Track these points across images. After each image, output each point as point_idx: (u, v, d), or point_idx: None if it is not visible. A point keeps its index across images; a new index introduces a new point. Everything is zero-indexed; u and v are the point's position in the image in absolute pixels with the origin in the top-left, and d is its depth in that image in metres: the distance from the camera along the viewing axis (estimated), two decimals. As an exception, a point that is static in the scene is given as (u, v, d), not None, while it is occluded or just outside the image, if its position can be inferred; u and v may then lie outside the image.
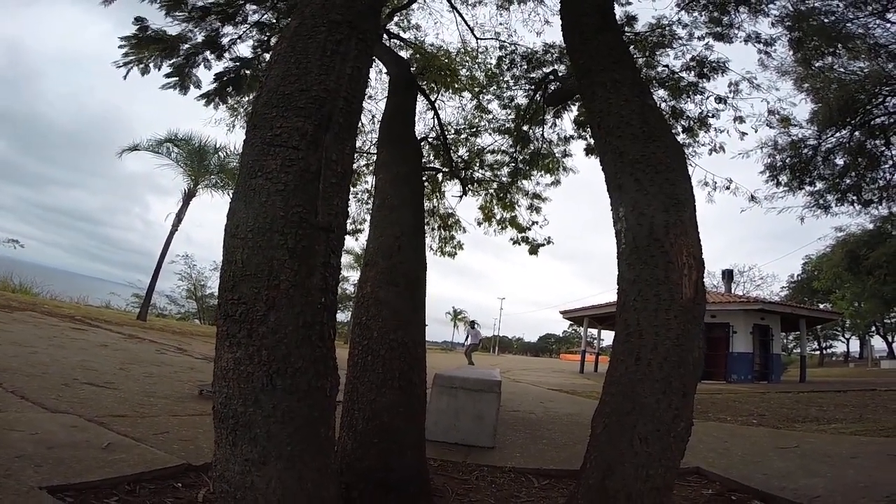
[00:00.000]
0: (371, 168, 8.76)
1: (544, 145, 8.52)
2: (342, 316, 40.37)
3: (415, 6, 7.65)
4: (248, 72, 5.67)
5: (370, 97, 8.07)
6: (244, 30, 5.42)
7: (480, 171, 9.34)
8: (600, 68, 3.04)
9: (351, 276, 34.73)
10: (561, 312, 24.29)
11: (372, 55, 2.30)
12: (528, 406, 7.40)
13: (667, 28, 6.96)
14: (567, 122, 8.42)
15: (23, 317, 8.83)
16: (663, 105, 7.48)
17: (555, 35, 8.38)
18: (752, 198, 8.54)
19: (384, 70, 6.54)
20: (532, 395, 9.51)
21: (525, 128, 8.29)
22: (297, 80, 1.65)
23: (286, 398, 1.38)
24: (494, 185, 9.41)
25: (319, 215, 1.50)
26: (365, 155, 8.76)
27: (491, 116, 8.84)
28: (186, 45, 5.21)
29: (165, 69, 5.36)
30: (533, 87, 7.84)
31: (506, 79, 8.21)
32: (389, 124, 4.19)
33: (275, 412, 1.37)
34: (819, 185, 11.62)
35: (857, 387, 13.32)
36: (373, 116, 8.30)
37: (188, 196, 15.91)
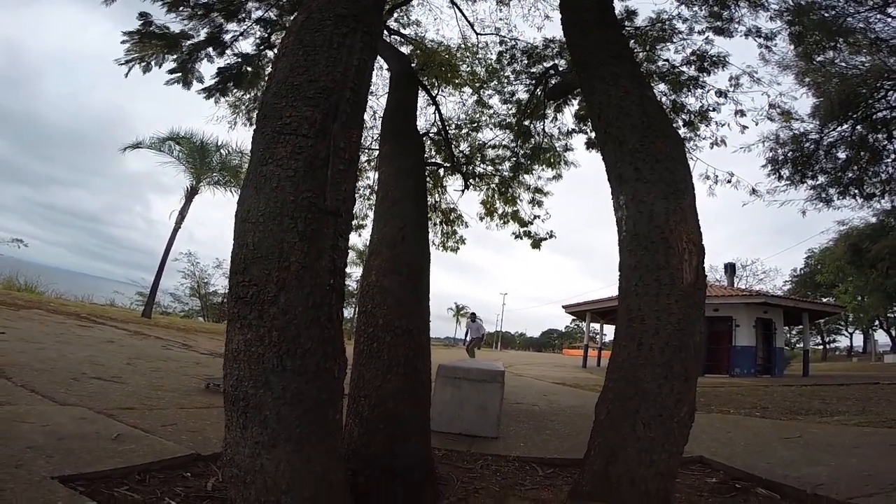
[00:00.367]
0: (373, 164, 8.79)
1: (545, 139, 8.52)
2: (346, 312, 40.36)
3: (415, 2, 7.64)
4: (249, 68, 5.69)
5: (371, 93, 8.07)
6: (246, 27, 5.45)
7: (482, 165, 9.35)
8: (600, 62, 3.06)
9: (354, 272, 34.77)
10: (563, 307, 24.31)
11: (376, 47, 2.33)
12: (531, 399, 7.43)
13: (667, 22, 6.95)
14: (568, 117, 8.43)
15: (29, 314, 8.91)
16: (664, 99, 7.47)
17: (555, 30, 8.38)
18: (754, 191, 8.55)
19: (385, 66, 6.56)
20: (535, 389, 9.55)
21: (526, 122, 8.29)
22: (306, 71, 1.71)
23: (296, 379, 1.41)
24: (496, 180, 9.42)
25: (328, 200, 1.55)
26: (367, 151, 8.77)
27: (492, 111, 8.85)
28: (189, 42, 5.24)
29: (168, 65, 5.40)
30: (533, 81, 7.83)
31: (506, 74, 8.19)
32: (392, 119, 4.21)
33: (284, 394, 1.40)
34: (821, 179, 11.58)
35: (861, 380, 13.33)
36: (374, 112, 8.31)
37: (191, 193, 15.97)
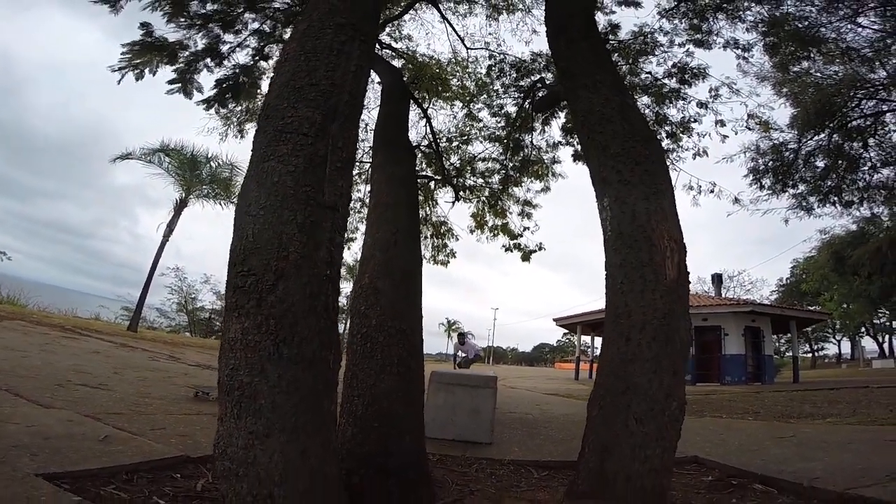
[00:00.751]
0: (363, 177, 8.82)
1: (534, 152, 8.64)
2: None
3: (406, 17, 7.78)
4: (246, 79, 5.75)
5: (363, 106, 8.15)
6: (243, 38, 5.52)
7: (472, 178, 9.42)
8: (583, 71, 3.18)
9: (345, 288, 34.57)
10: (554, 320, 24.33)
11: (372, 54, 2.41)
12: (524, 408, 7.40)
13: (649, 36, 7.15)
14: (555, 130, 8.55)
15: (11, 325, 8.70)
16: (647, 111, 7.65)
17: (542, 44, 8.56)
18: (736, 200, 8.66)
19: (377, 79, 6.65)
20: (528, 400, 9.51)
21: (515, 135, 8.43)
22: (307, 75, 1.80)
23: (291, 367, 1.42)
24: (486, 192, 9.48)
25: (326, 195, 1.60)
26: (358, 164, 8.82)
27: (482, 125, 8.94)
28: (187, 52, 5.29)
29: (164, 75, 5.44)
30: (521, 94, 7.98)
31: (495, 87, 8.29)
32: (385, 128, 4.27)
33: (280, 382, 1.40)
34: (801, 188, 11.87)
35: (850, 385, 13.48)
36: (366, 125, 8.38)
37: (180, 206, 15.84)
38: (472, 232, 9.77)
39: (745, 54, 7.29)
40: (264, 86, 6.77)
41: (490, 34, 8.33)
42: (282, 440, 1.43)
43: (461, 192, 9.24)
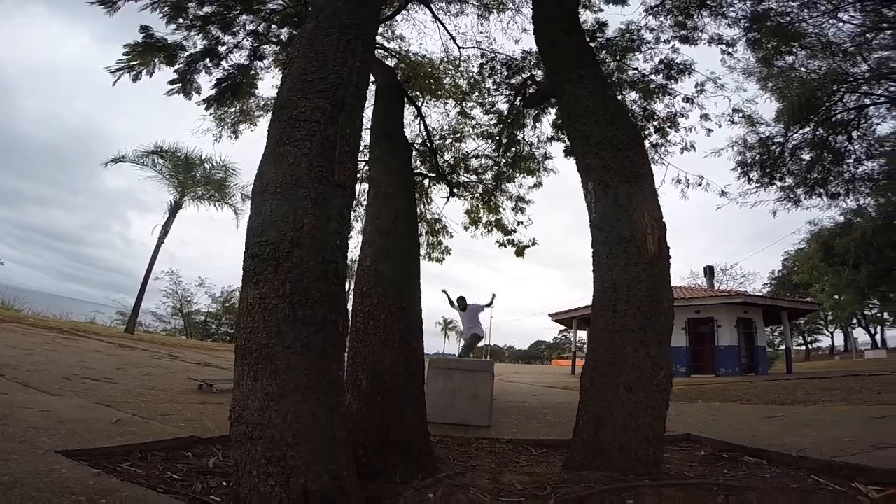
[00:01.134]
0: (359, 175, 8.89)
1: (526, 148, 8.76)
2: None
3: (399, 17, 7.87)
4: (243, 79, 5.85)
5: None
6: (240, 39, 5.62)
7: (466, 175, 9.52)
8: (567, 67, 3.34)
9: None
10: (549, 315, 24.49)
11: (374, 52, 2.54)
12: (521, 398, 7.53)
13: (635, 33, 7.28)
14: (546, 126, 8.66)
15: (10, 327, 8.72)
16: (635, 107, 7.79)
17: (532, 42, 8.66)
18: (723, 193, 8.71)
19: (371, 78, 6.74)
20: (525, 391, 9.64)
21: (507, 132, 8.55)
22: (317, 70, 1.97)
23: (305, 329, 1.53)
24: (480, 189, 9.57)
25: (336, 175, 1.77)
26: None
27: (474, 122, 9.03)
28: (186, 54, 5.39)
29: (158, 78, 5.52)
30: (513, 91, 8.10)
31: (487, 85, 8.38)
32: (382, 124, 4.38)
33: (294, 343, 1.52)
34: (789, 180, 12.09)
35: (843, 374, 13.73)
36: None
37: (174, 208, 15.84)
38: (466, 228, 9.84)
39: (730, 49, 7.42)
40: (261, 84, 6.84)
41: (481, 33, 8.47)
42: (295, 400, 1.53)
43: (455, 189, 9.32)
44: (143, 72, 5.39)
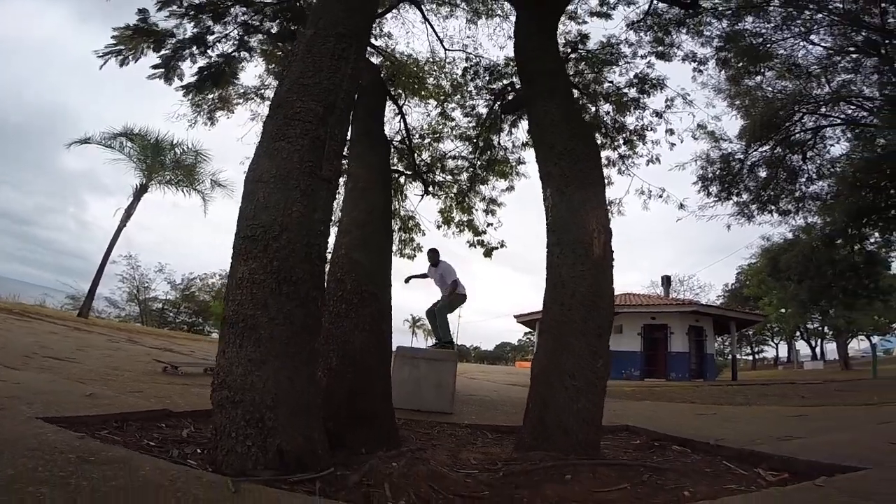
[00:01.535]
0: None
1: (501, 152, 9.04)
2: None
3: (389, 15, 7.98)
4: (227, 68, 5.87)
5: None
6: (230, 30, 5.65)
7: (442, 174, 9.71)
8: (541, 80, 3.62)
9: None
10: (515, 317, 25.05)
11: (365, 59, 2.74)
12: (483, 393, 7.83)
13: (615, 46, 7.64)
14: (521, 132, 8.94)
15: (-43, 306, 8.33)
16: (607, 118, 8.19)
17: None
18: (681, 206, 9.23)
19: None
20: (487, 387, 9.97)
21: (484, 135, 8.81)
22: (313, 75, 2.17)
23: (288, 303, 1.72)
24: (454, 189, 9.78)
25: (323, 170, 1.99)
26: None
27: (454, 123, 9.21)
28: (174, 40, 5.38)
29: (147, 60, 5.48)
30: (493, 96, 8.36)
31: (469, 88, 8.59)
32: (363, 121, 4.53)
33: (278, 315, 1.71)
34: (745, 196, 12.89)
35: (781, 382, 14.81)
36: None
37: (140, 192, 15.35)
38: (439, 227, 10.02)
39: (701, 67, 7.86)
40: (242, 76, 6.83)
41: (468, 37, 8.66)
42: (276, 366, 1.72)
43: (430, 188, 9.50)
44: (131, 57, 5.35)
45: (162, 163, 15.39)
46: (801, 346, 43.81)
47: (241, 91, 7.48)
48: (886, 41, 9.42)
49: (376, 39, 8.11)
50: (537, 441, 2.84)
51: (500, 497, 1.85)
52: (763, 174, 12.51)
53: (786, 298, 22.98)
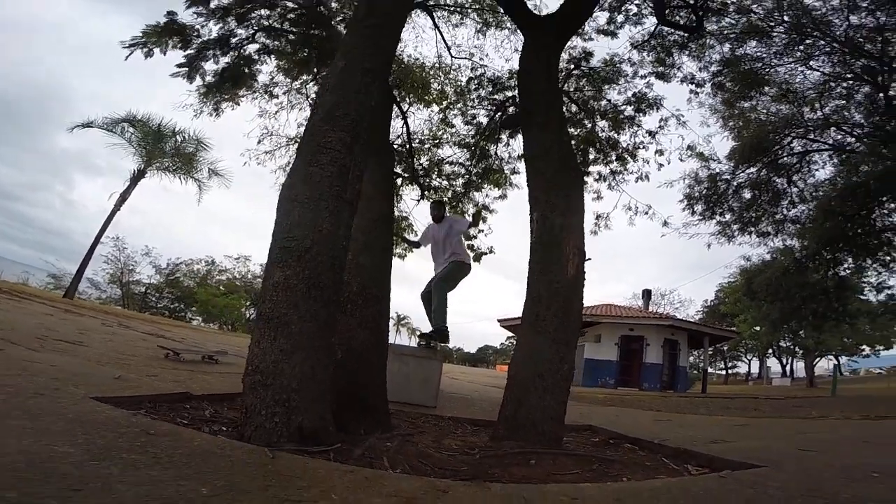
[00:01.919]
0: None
1: (496, 162, 9.41)
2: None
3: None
4: (246, 69, 6.19)
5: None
6: (252, 32, 5.96)
7: (438, 179, 10.07)
8: (538, 110, 4.03)
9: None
10: (499, 321, 25.52)
11: (388, 92, 3.10)
12: (464, 392, 8.27)
13: (617, 65, 7.94)
14: (518, 144, 9.20)
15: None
16: (602, 134, 8.51)
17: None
18: (665, 223, 9.73)
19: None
20: (468, 387, 10.44)
21: (482, 144, 9.17)
22: (342, 107, 2.55)
23: (315, 304, 2.12)
24: (449, 194, 10.14)
25: (347, 193, 2.36)
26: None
27: (454, 130, 9.48)
28: (200, 40, 5.68)
29: (171, 56, 5.78)
30: (494, 107, 8.68)
31: (472, 97, 8.92)
32: (373, 134, 4.91)
33: (307, 314, 2.11)
34: (727, 217, 13.37)
35: (746, 396, 15.55)
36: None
37: (137, 177, 15.45)
38: (431, 229, 10.36)
39: (698, 89, 8.20)
40: (260, 77, 7.10)
41: (476, 47, 8.91)
42: (302, 357, 2.11)
43: (427, 192, 9.83)
44: (158, 50, 5.66)
45: (162, 149, 15.53)
46: (773, 364, 45.25)
47: (251, 85, 7.71)
48: (885, 68, 9.78)
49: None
50: (510, 433, 3.25)
51: (476, 472, 2.27)
52: (748, 195, 12.95)
53: (759, 317, 23.90)
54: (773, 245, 14.15)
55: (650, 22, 7.35)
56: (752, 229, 13.47)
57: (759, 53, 9.16)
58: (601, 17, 7.54)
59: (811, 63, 10.00)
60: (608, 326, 18.25)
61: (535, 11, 5.51)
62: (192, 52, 5.78)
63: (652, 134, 8.18)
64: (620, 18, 7.50)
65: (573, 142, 8.51)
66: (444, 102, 9.16)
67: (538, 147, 3.81)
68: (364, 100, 2.60)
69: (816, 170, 12.70)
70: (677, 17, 7.18)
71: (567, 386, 3.14)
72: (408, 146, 8.75)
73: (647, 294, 25.22)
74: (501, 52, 8.63)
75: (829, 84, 10.75)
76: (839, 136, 12.05)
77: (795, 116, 11.56)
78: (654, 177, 8.58)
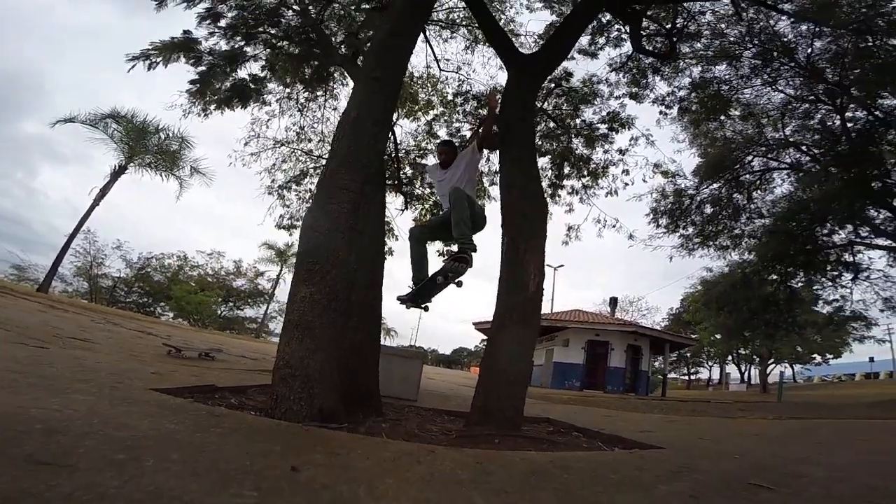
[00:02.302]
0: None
1: (477, 174, 9.97)
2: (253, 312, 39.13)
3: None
4: (252, 86, 6.69)
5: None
6: (258, 50, 6.45)
7: (421, 188, 10.59)
8: (513, 147, 4.70)
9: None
10: (473, 324, 26.22)
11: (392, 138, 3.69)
12: (441, 391, 8.96)
13: (595, 86, 8.53)
14: (497, 157, 9.78)
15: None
16: (577, 151, 8.99)
17: (504, 76, 9.72)
18: (631, 236, 10.33)
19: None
20: (444, 387, 11.13)
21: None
22: (354, 153, 3.18)
23: (334, 314, 2.77)
24: (430, 202, 10.66)
25: (359, 226, 2.96)
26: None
27: (437, 141, 10.03)
28: (210, 58, 6.14)
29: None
30: (478, 123, 9.19)
31: (458, 111, 9.45)
32: None
33: (327, 321, 2.75)
34: (690, 230, 14.25)
35: (701, 400, 16.72)
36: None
37: (118, 172, 15.49)
38: (411, 234, 10.86)
39: (667, 111, 8.88)
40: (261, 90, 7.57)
41: (465, 63, 9.33)
42: (323, 355, 2.75)
43: (409, 200, 10.32)
44: (161, 63, 6.08)
45: (145, 146, 15.60)
46: (733, 370, 47.54)
47: (256, 99, 8.03)
48: (844, 95, 10.49)
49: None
50: (480, 420, 3.90)
51: (454, 446, 2.95)
52: (709, 210, 13.72)
53: (717, 326, 25.41)
54: (730, 258, 15.02)
55: (629, 44, 7.76)
56: (712, 243, 14.33)
57: (726, 76, 9.62)
58: (584, 39, 7.99)
59: (776, 85, 10.64)
60: (576, 331, 19.26)
61: (522, 50, 6.14)
62: (203, 69, 6.22)
63: (622, 152, 8.81)
64: (601, 41, 8.13)
65: (548, 157, 9.32)
66: (431, 114, 9.52)
67: (512, 180, 4.49)
68: (374, 146, 3.24)
69: (774, 187, 13.58)
70: (654, 43, 7.74)
71: (525, 380, 3.85)
72: (395, 156, 9.18)
73: (613, 301, 26.62)
74: (488, 69, 9.06)
75: (792, 105, 11.50)
76: (798, 156, 12.93)
77: (758, 135, 12.28)
78: (622, 192, 9.13)
